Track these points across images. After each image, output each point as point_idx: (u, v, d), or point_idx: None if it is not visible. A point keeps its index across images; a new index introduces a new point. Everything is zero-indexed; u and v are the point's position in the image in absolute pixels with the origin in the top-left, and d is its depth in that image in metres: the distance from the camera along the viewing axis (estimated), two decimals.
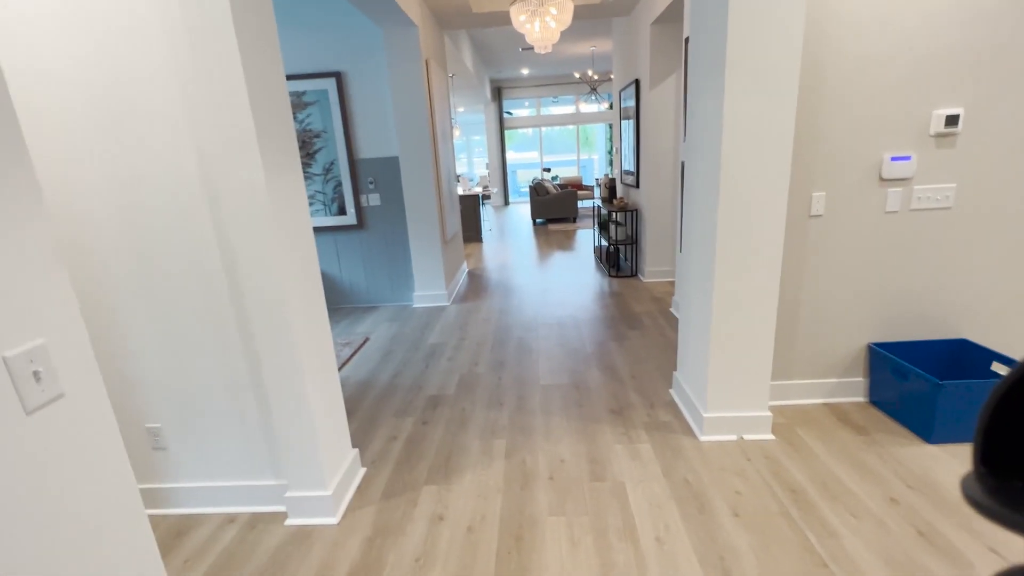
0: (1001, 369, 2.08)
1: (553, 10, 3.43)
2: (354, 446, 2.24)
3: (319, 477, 1.78)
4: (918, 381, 2.03)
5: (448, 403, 2.64)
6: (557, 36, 3.59)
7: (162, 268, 1.65)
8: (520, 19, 3.49)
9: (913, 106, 2.05)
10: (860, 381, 2.37)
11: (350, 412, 2.62)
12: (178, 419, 1.82)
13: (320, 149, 4.14)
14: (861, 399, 2.39)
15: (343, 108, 4.05)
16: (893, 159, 2.09)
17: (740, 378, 2.10)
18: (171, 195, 1.58)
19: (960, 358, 2.25)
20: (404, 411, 2.58)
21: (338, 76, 3.99)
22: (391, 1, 3.20)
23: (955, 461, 1.91)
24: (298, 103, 4.05)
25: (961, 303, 2.25)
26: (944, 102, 2.04)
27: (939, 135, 2.07)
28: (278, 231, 1.55)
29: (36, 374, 0.77)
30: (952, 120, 2.03)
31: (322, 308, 1.84)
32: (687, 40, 3.34)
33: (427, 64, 4.10)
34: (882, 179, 2.13)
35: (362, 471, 2.08)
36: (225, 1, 1.37)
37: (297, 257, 1.67)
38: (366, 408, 2.64)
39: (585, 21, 5.00)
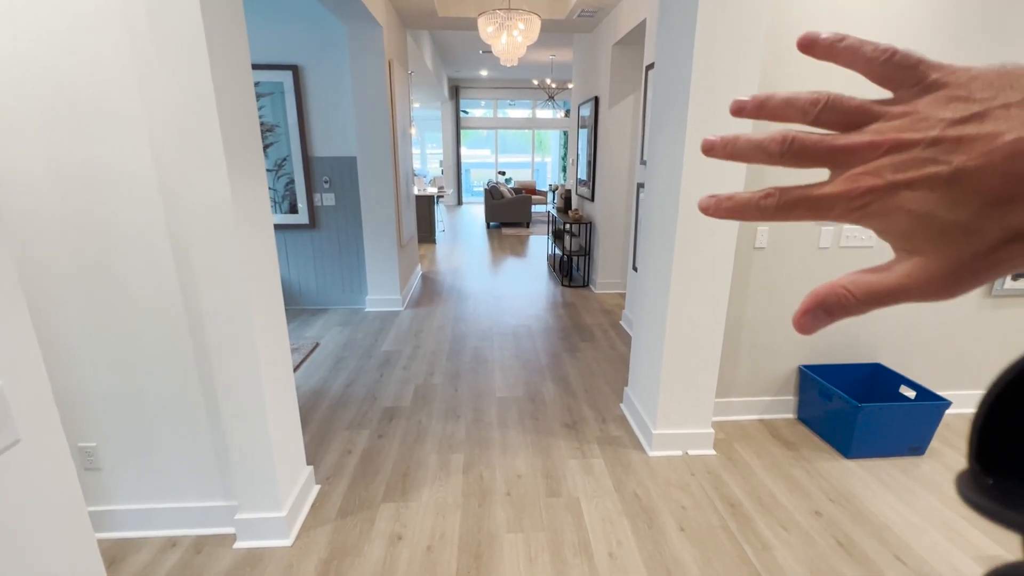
0: (907, 392, 2.34)
1: (521, 25, 3.47)
2: (308, 462, 2.18)
3: (273, 497, 1.72)
4: (840, 402, 2.25)
5: (404, 415, 2.62)
6: (523, 50, 3.64)
7: (110, 272, 1.54)
8: (488, 30, 3.51)
9: None
10: (791, 399, 2.59)
11: (302, 424, 2.53)
12: (116, 436, 1.70)
13: (272, 144, 3.96)
14: (791, 416, 2.61)
15: (299, 103, 3.90)
16: None
17: (688, 397, 2.24)
18: (125, 199, 1.48)
19: (875, 381, 2.51)
20: (359, 423, 2.54)
21: (295, 69, 3.83)
22: (357, 0, 3.12)
23: (869, 475, 2.13)
24: None
25: (879, 332, 2.52)
26: None
27: None
28: (240, 238, 1.49)
29: None
30: None
31: (281, 316, 1.78)
32: (648, 67, 3.49)
33: (390, 64, 4.03)
34: None
35: (316, 488, 2.03)
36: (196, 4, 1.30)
37: (258, 263, 1.61)
38: (319, 420, 2.58)
39: (548, 33, 5.08)
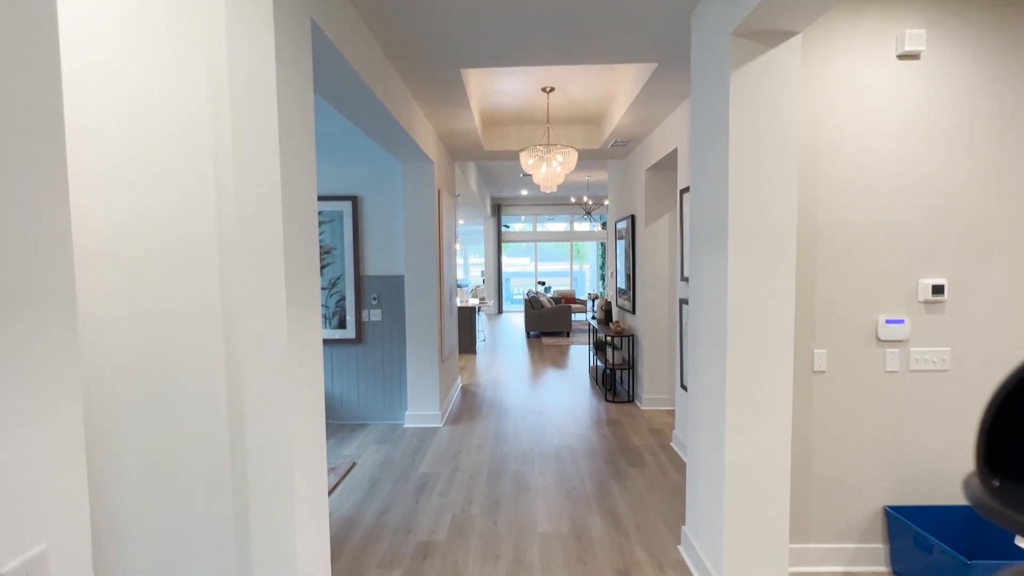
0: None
1: (559, 156, 3.77)
2: None
3: None
4: (944, 557, 1.92)
5: (439, 553, 2.42)
6: (562, 178, 3.92)
7: (164, 412, 1.59)
8: (529, 162, 3.83)
9: (900, 273, 2.19)
10: (880, 548, 2.24)
11: (332, 557, 2.37)
12: (145, 573, 1.63)
13: (328, 264, 4.26)
14: (883, 568, 2.23)
15: (355, 228, 4.25)
16: (888, 321, 2.19)
17: (757, 543, 1.98)
18: (189, 333, 1.58)
19: (981, 528, 2.15)
20: (390, 562, 2.35)
21: (354, 200, 4.24)
22: (412, 143, 3.52)
23: None
24: None
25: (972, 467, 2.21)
26: (929, 272, 2.19)
27: (928, 302, 2.19)
28: (292, 377, 1.53)
29: None
30: (938, 289, 2.16)
31: (321, 451, 1.75)
32: (683, 190, 3.65)
33: (439, 193, 4.39)
34: (879, 340, 2.20)
35: None
36: (275, 162, 1.49)
37: (305, 394, 1.62)
38: (348, 554, 2.41)
39: (583, 160, 5.49)
